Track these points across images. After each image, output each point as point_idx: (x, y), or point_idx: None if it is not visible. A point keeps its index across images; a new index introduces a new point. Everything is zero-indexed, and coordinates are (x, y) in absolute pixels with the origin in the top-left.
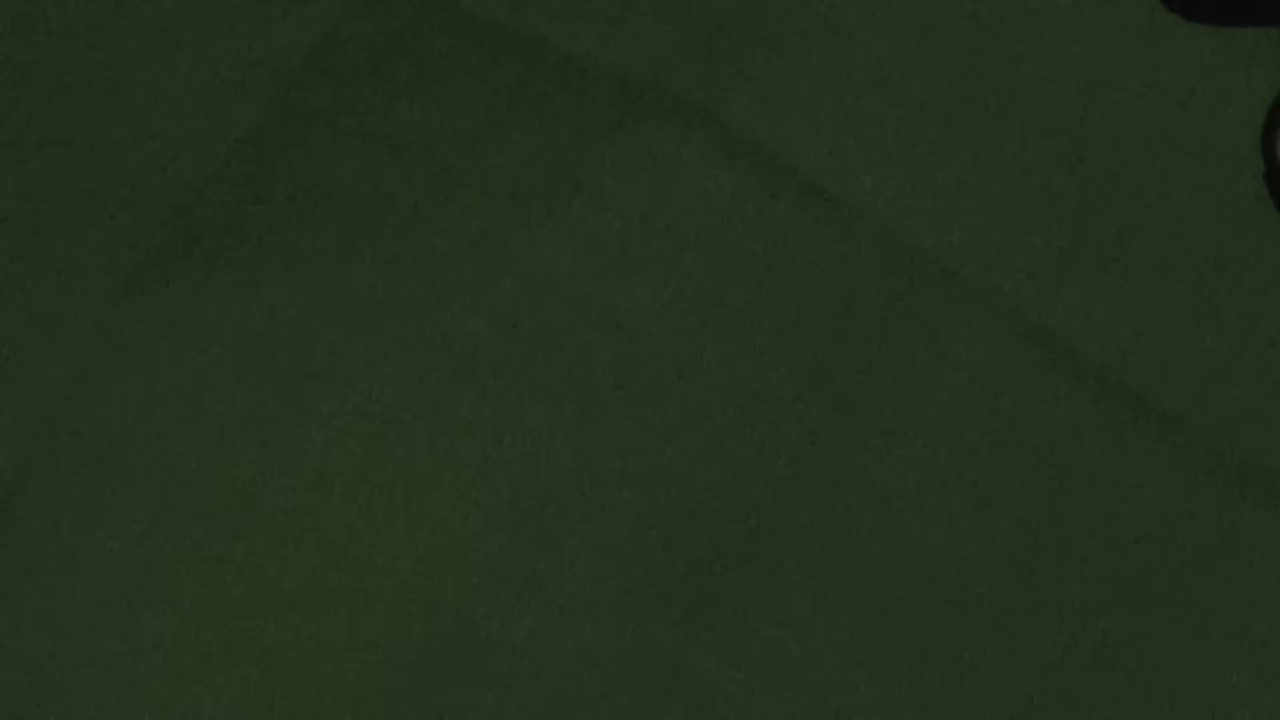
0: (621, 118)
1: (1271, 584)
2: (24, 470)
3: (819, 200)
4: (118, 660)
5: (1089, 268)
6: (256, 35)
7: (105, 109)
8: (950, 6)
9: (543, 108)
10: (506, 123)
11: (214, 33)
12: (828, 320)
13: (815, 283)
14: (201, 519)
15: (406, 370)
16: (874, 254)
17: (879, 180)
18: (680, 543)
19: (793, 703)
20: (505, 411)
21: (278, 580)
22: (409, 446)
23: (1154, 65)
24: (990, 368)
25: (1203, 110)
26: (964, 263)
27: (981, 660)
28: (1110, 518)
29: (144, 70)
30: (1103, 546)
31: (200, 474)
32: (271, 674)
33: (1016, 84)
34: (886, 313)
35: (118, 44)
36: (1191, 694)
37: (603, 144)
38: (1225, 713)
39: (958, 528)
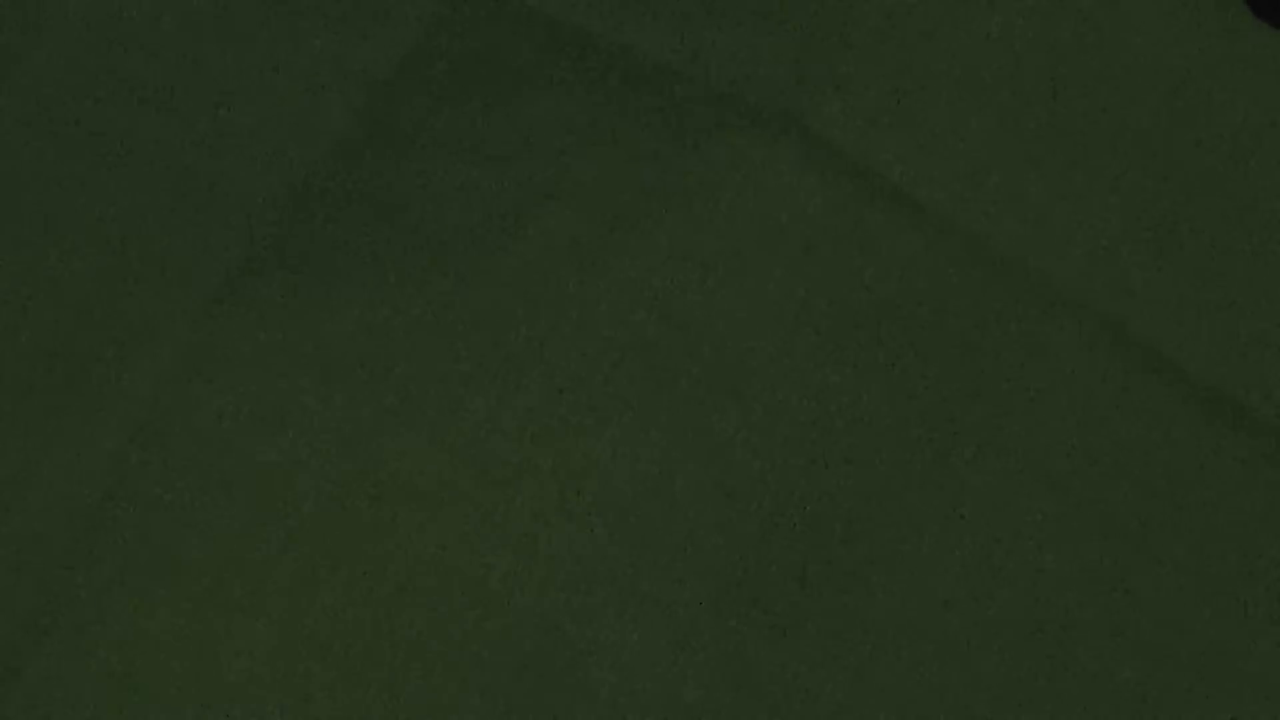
0: (710, 127)
1: None
2: (119, 477)
3: (909, 209)
4: (210, 665)
5: (1181, 276)
6: (347, 47)
7: (197, 120)
8: (1038, 15)
9: (631, 118)
10: (595, 133)
11: (305, 44)
12: (918, 330)
13: (905, 292)
14: (291, 527)
15: (495, 380)
16: (964, 263)
17: (969, 189)
18: (770, 552)
19: (883, 712)
20: (594, 421)
21: (367, 588)
22: (497, 456)
23: (1244, 73)
24: (1083, 377)
25: None
26: (1055, 272)
27: (1072, 666)
28: (1206, 528)
29: (235, 82)
30: (1198, 556)
31: (289, 482)
32: (360, 682)
33: (1106, 92)
34: (977, 322)
35: (209, 55)
36: (1277, 695)
37: (692, 154)
38: None
39: (1050, 538)
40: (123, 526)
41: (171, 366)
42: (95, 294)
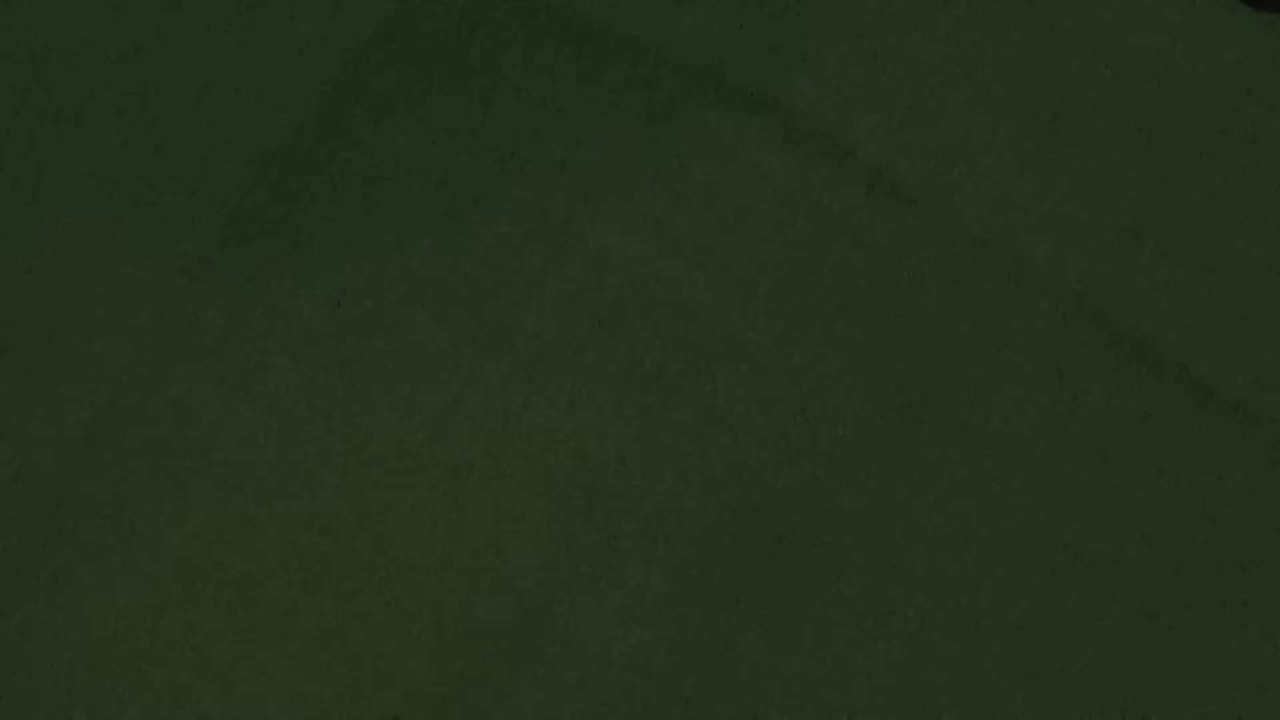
0: (685, 103)
1: None
2: (85, 451)
3: (882, 188)
4: (176, 641)
5: (1155, 256)
6: (319, 19)
7: (166, 92)
8: None
9: (606, 93)
10: (570, 108)
11: (278, 14)
12: (890, 307)
13: (878, 269)
14: (262, 502)
15: (469, 355)
16: (937, 241)
17: (943, 169)
18: (740, 530)
19: (852, 692)
20: (567, 397)
21: (337, 564)
22: (470, 432)
23: (1221, 53)
24: (1054, 355)
25: (1270, 98)
26: (1028, 250)
27: (1040, 649)
28: (1173, 506)
29: (206, 52)
30: (1164, 535)
31: (260, 457)
32: (329, 657)
33: (1082, 71)
34: (949, 300)
35: (180, 26)
36: (1251, 683)
37: (666, 130)
38: None
39: (1018, 516)
40: (90, 499)
41: (140, 338)
42: (63, 266)
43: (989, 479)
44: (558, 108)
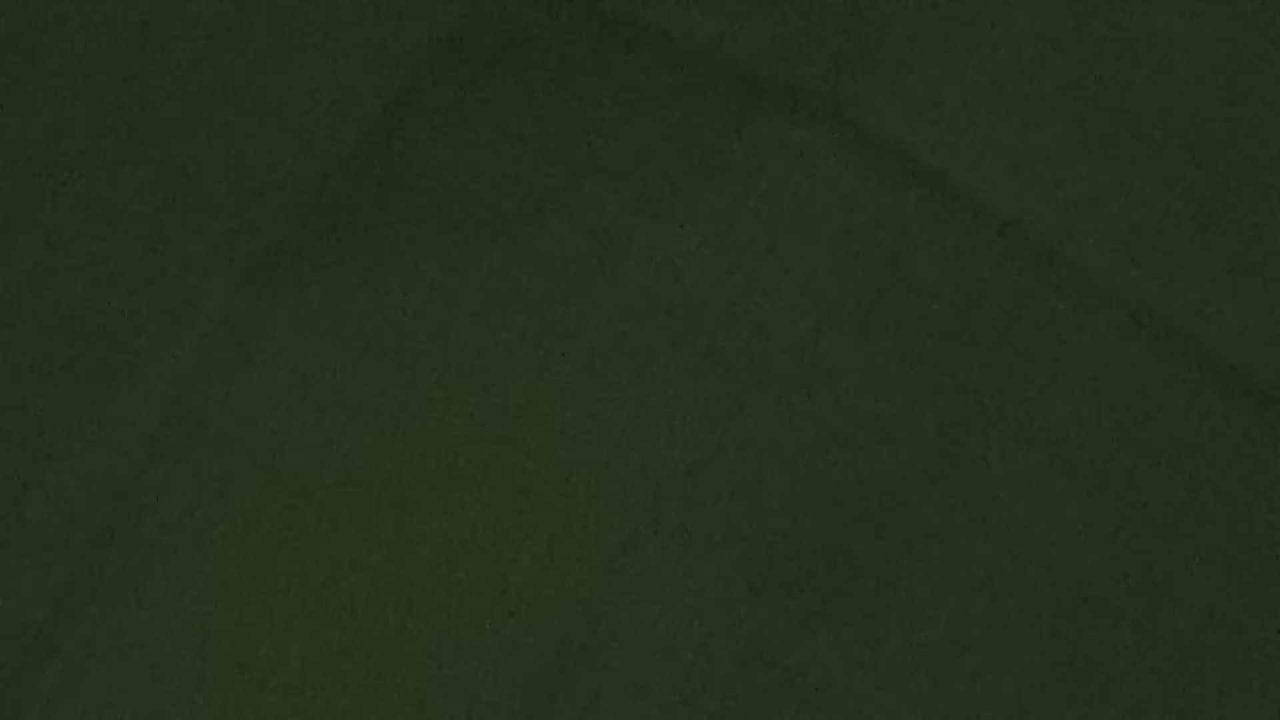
0: (749, 111)
1: None
2: (153, 453)
3: (946, 196)
4: (245, 645)
5: (1217, 264)
6: (386, 27)
7: (234, 102)
8: (1078, 5)
9: (670, 100)
10: (634, 115)
11: (344, 24)
12: (953, 317)
13: (941, 279)
14: (324, 506)
15: (534, 363)
16: (1001, 251)
17: (1005, 176)
18: (805, 538)
19: (914, 701)
20: (632, 404)
21: (403, 572)
22: (535, 439)
23: None
24: (1116, 366)
25: None
26: (1091, 261)
27: (1104, 656)
28: (1235, 515)
29: (273, 62)
30: (1230, 546)
31: (324, 461)
32: (395, 665)
33: (1143, 82)
34: (1012, 310)
35: (247, 37)
36: None
37: (730, 137)
38: None
39: (1082, 526)
40: (156, 504)
41: (207, 344)
42: (132, 271)
43: (1052, 487)
44: (621, 116)
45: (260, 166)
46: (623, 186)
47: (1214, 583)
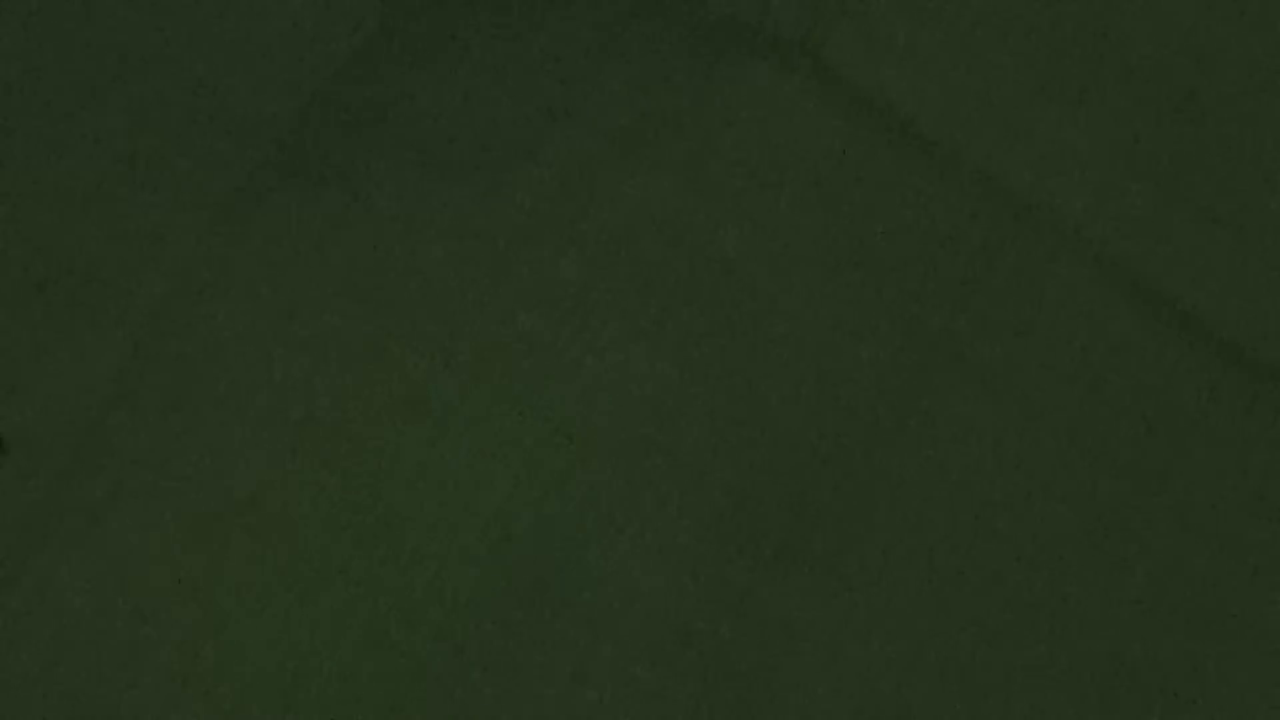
0: (725, 55)
1: None
2: (123, 386)
3: (918, 143)
4: (209, 580)
5: (1189, 217)
6: None
7: (209, 31)
8: None
9: (648, 44)
10: (611, 57)
11: None
12: (925, 264)
13: (913, 224)
14: (293, 440)
15: (505, 303)
16: (973, 198)
17: (980, 124)
18: (770, 481)
19: (879, 646)
20: (600, 346)
21: (368, 505)
22: (505, 379)
23: (1258, 14)
24: (1086, 315)
25: None
26: (1064, 208)
27: (1068, 610)
28: (1202, 468)
29: None
30: (1194, 496)
31: (293, 395)
32: (358, 598)
33: (1122, 30)
34: (983, 258)
35: None
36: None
37: (706, 82)
38: None
39: (1049, 473)
40: (125, 436)
41: (179, 277)
42: (104, 205)
43: (1020, 436)
44: (598, 57)
45: (233, 103)
46: (597, 128)
47: (1181, 534)
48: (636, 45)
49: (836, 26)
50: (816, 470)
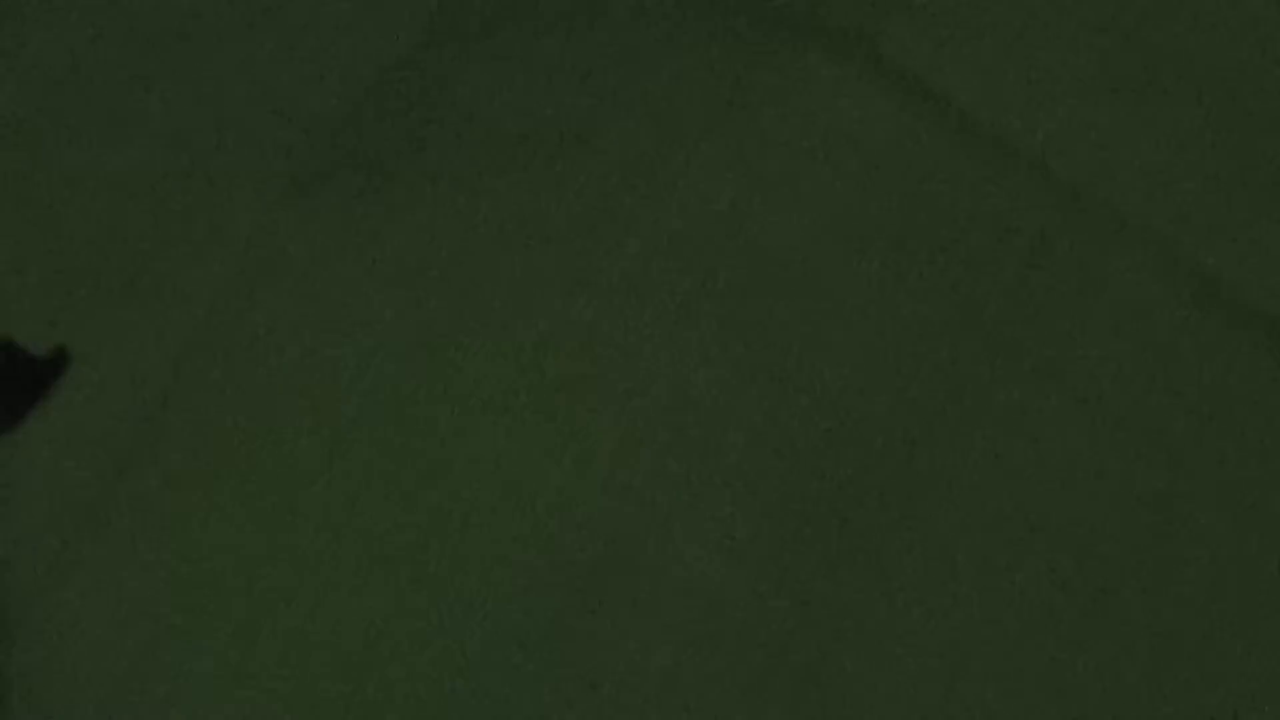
0: (780, 45)
1: None
2: (179, 376)
3: (973, 133)
4: (262, 569)
5: (1248, 207)
6: None
7: (267, 25)
8: None
9: (701, 32)
10: (664, 47)
11: None
12: (980, 254)
13: (969, 215)
14: (351, 430)
15: (560, 292)
16: (1029, 187)
17: (1035, 115)
18: (827, 472)
19: (931, 638)
20: (657, 336)
21: (424, 494)
22: (560, 369)
23: None
24: (1144, 306)
25: None
26: (1121, 200)
27: (1124, 600)
28: (1264, 460)
29: None
30: (1255, 489)
31: (351, 386)
32: (413, 587)
33: (1178, 18)
34: (1040, 248)
35: None
36: None
37: (761, 71)
38: None
39: (1106, 465)
40: (181, 426)
41: (235, 267)
42: (162, 191)
43: (1075, 427)
44: (651, 46)
45: (291, 91)
46: (652, 118)
47: (1237, 525)
48: (692, 34)
49: (892, 16)
50: (872, 462)
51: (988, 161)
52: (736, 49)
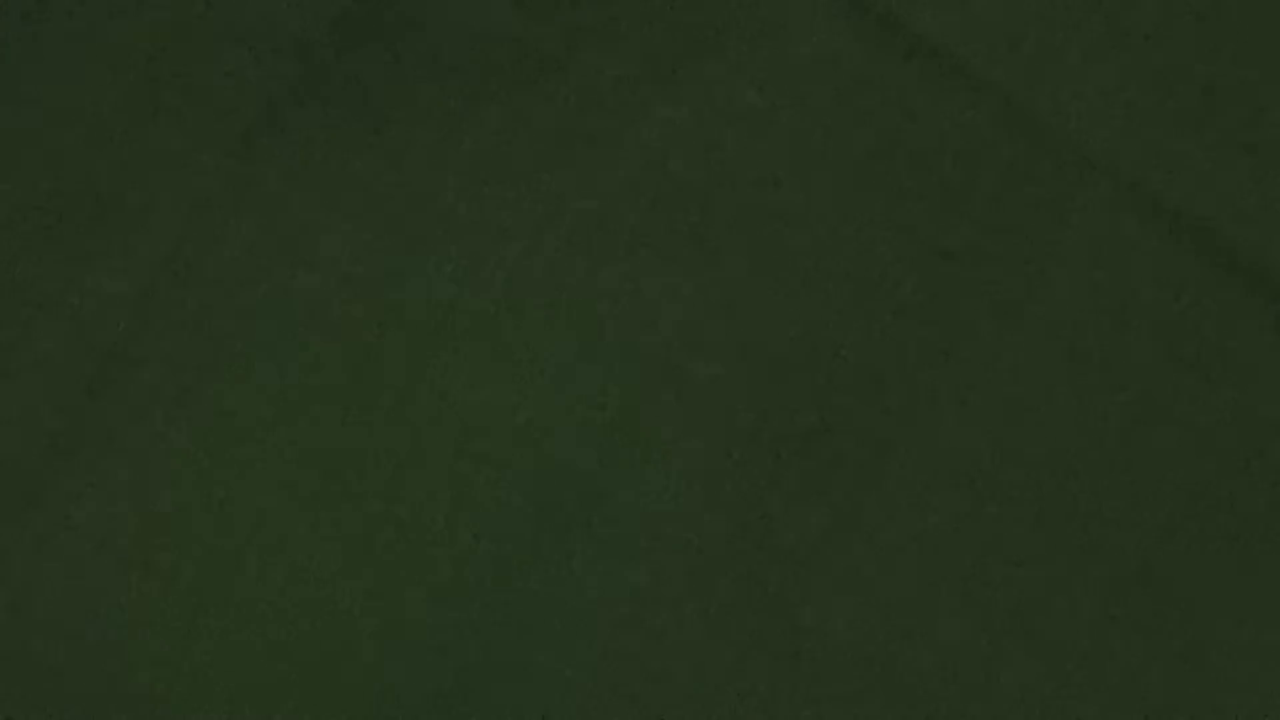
0: None
1: None
2: (145, 306)
3: (946, 67)
4: (227, 506)
5: (1215, 144)
6: None
7: None
8: None
9: None
10: None
11: None
12: (950, 190)
13: (939, 152)
14: (315, 366)
15: (528, 227)
16: (999, 123)
17: (1007, 49)
18: (798, 408)
19: (899, 575)
20: (624, 271)
21: (392, 433)
22: (526, 302)
23: None
24: (1112, 242)
25: None
26: (1089, 133)
27: (1092, 535)
28: (1225, 393)
29: None
30: (1224, 426)
31: (316, 319)
32: (382, 521)
33: None
34: (1008, 183)
35: None
36: None
37: (733, 7)
38: None
39: (1074, 402)
40: (148, 356)
41: (202, 197)
42: (126, 123)
43: (1043, 363)
44: None
45: (256, 23)
46: (621, 52)
47: (1208, 461)
48: None
49: None
50: (841, 397)
51: (960, 96)
52: None
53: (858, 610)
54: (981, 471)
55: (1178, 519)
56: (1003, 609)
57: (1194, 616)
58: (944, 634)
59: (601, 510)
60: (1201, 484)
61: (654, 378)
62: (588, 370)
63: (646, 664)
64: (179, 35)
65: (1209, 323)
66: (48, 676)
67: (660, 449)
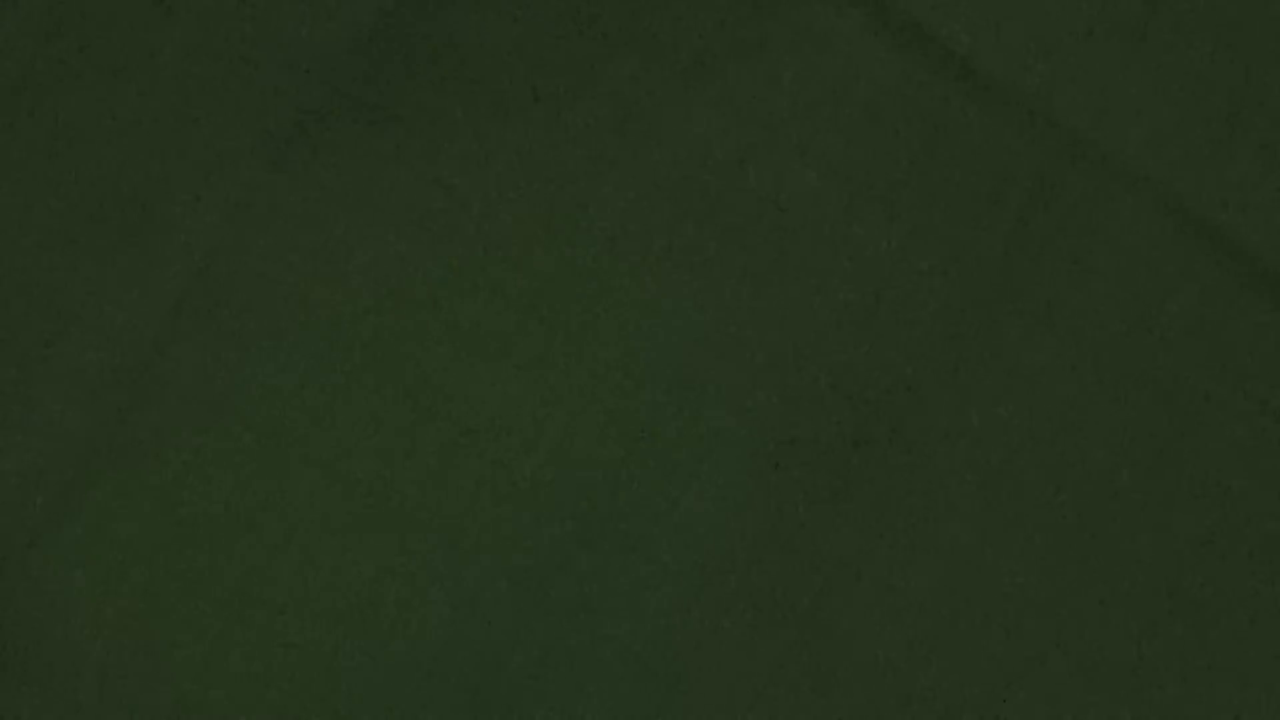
0: None
1: None
2: (179, 315)
3: (974, 80)
4: (264, 510)
5: (1245, 154)
6: None
7: None
8: None
9: None
10: None
11: None
12: (979, 201)
13: (968, 162)
14: (347, 377)
15: (559, 237)
16: (1028, 134)
17: (1036, 62)
18: (827, 419)
19: (932, 581)
20: (657, 281)
21: (425, 441)
22: (558, 313)
23: None
24: (1142, 251)
25: None
26: (1118, 145)
27: (1123, 544)
28: (1257, 404)
29: None
30: (1251, 436)
31: (347, 333)
32: (413, 532)
33: None
34: (1039, 194)
35: None
36: None
37: (764, 17)
38: None
39: (1104, 410)
40: (181, 365)
41: (234, 211)
42: (161, 137)
43: (1074, 373)
44: None
45: (291, 37)
46: (655, 63)
47: (1236, 473)
48: None
49: None
50: (871, 407)
51: (988, 108)
52: None
53: (889, 620)
54: (1013, 482)
55: (1210, 530)
56: (1035, 621)
57: (1226, 629)
58: (976, 645)
59: (633, 521)
60: (1234, 494)
61: (683, 387)
62: (618, 380)
63: (678, 675)
64: (211, 51)
65: (1240, 332)
66: (87, 683)
67: (690, 460)
